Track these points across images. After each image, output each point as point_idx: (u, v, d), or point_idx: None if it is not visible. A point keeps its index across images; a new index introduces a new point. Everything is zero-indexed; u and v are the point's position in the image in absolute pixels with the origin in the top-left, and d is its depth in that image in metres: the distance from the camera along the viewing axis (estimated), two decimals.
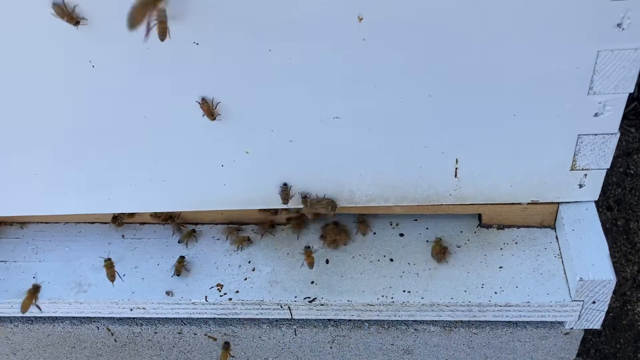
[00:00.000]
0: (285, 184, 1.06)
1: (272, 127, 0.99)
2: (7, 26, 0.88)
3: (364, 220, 1.15)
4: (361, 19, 0.84)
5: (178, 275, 1.11)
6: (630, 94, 0.90)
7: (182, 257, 1.13)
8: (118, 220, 1.18)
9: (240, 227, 1.18)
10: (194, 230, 1.18)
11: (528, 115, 0.94)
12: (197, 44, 0.88)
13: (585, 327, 1.05)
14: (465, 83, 0.91)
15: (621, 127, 0.94)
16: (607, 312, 2.01)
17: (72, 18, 0.86)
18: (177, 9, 0.83)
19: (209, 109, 0.95)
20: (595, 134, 0.96)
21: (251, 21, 0.85)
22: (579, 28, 0.83)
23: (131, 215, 1.19)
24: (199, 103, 0.95)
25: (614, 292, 1.02)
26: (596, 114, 0.93)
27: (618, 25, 0.82)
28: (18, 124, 1.00)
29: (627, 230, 2.25)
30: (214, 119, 0.96)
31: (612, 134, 0.96)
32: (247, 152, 1.03)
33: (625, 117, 2.49)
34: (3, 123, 1.00)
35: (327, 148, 1.01)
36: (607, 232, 2.17)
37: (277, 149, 1.01)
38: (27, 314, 1.15)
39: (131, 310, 1.12)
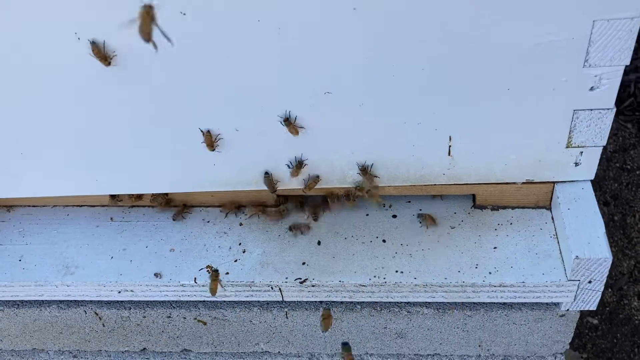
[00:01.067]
0: (266, 172, 1.04)
1: (260, 103, 0.97)
2: None
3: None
4: None
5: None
6: (626, 90, 0.88)
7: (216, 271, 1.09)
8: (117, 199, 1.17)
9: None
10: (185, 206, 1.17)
11: (523, 89, 0.92)
12: (184, 14, 0.86)
13: (581, 309, 1.03)
14: (458, 56, 0.89)
15: (617, 123, 0.93)
16: (604, 307, 2.00)
17: (106, 59, 0.91)
18: None
19: (210, 140, 1.01)
20: (591, 109, 0.94)
21: None
22: None
23: (139, 197, 1.17)
24: (203, 132, 1.00)
25: (611, 286, 1.01)
26: (592, 87, 0.91)
27: None
28: (3, 104, 0.98)
29: (623, 225, 2.24)
30: (214, 149, 1.01)
31: (608, 109, 0.94)
32: (237, 130, 1.01)
33: (621, 112, 2.48)
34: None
35: (318, 125, 0.99)
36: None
37: (266, 126, 0.99)
38: (12, 297, 1.13)
39: (119, 292, 1.09)
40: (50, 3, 0.87)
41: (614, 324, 2.00)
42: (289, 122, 0.99)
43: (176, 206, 1.18)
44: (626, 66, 0.89)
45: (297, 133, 0.99)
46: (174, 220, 1.16)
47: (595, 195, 1.04)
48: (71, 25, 0.89)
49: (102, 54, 0.91)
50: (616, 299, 2.05)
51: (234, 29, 0.88)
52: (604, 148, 1.01)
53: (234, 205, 1.15)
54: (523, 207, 1.10)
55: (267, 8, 0.85)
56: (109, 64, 0.92)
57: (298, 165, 1.04)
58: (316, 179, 1.07)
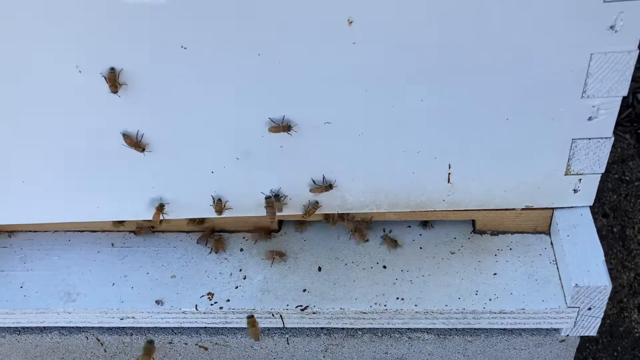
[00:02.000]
0: (268, 196, 1.05)
1: (262, 132, 0.97)
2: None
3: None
4: (351, 22, 0.83)
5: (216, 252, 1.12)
6: (624, 101, 0.89)
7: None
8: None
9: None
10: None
11: (521, 120, 0.93)
12: (185, 48, 0.87)
13: (581, 334, 1.04)
14: (458, 87, 0.90)
15: (615, 134, 0.93)
16: (604, 320, 2.00)
17: (139, 146, 0.97)
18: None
19: (220, 207, 1.06)
20: (590, 138, 0.95)
21: (241, 24, 0.84)
22: (571, 30, 0.82)
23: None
24: (213, 200, 1.06)
25: (611, 299, 1.01)
26: (590, 117, 0.92)
27: (611, 27, 0.81)
28: (6, 132, 0.99)
29: (623, 236, 2.24)
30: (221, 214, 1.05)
31: (606, 138, 0.95)
32: (237, 159, 1.01)
33: (619, 123, 2.48)
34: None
35: (319, 154, 1.00)
36: (603, 238, 2.16)
37: (267, 154, 1.00)
38: (13, 324, 1.13)
39: (121, 319, 1.10)
40: (50, 36, 0.87)
41: (614, 336, 2.00)
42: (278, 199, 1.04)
43: (178, 231, 1.18)
44: None
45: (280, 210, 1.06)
46: (197, 243, 1.17)
47: (594, 206, 1.04)
48: (72, 58, 0.89)
49: (135, 143, 0.97)
50: (616, 312, 2.06)
51: (232, 64, 0.88)
52: None
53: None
54: (522, 232, 1.10)
55: (269, 42, 0.86)
56: (143, 150, 0.98)
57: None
58: (316, 204, 1.08)
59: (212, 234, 1.16)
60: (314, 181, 1.03)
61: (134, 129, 0.97)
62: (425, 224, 1.14)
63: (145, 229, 1.18)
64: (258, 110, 0.94)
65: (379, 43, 0.85)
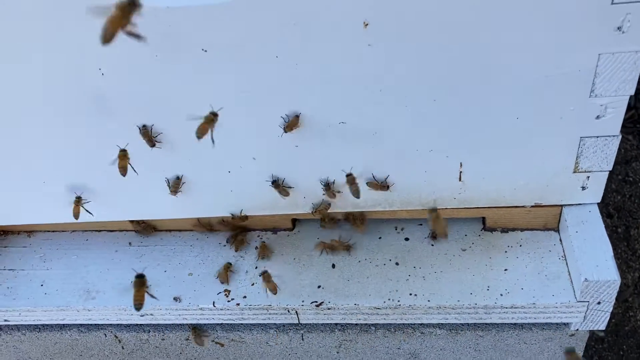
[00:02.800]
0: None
1: (279, 132, 1.00)
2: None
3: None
4: (367, 24, 0.86)
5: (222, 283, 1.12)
6: (628, 103, 0.92)
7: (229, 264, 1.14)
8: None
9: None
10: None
11: (531, 119, 0.95)
12: (206, 50, 0.89)
13: (591, 328, 1.06)
14: (469, 87, 0.93)
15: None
16: (610, 319, 2.02)
17: (151, 140, 0.99)
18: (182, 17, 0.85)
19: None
20: (598, 136, 0.97)
21: (258, 28, 0.87)
22: (580, 31, 0.85)
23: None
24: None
25: (616, 298, 1.03)
26: (598, 116, 0.95)
27: (618, 28, 0.84)
28: (27, 133, 1.02)
29: (627, 237, 2.27)
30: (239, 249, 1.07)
31: (614, 136, 0.97)
32: (254, 159, 1.04)
33: (622, 125, 2.51)
34: (12, 132, 1.01)
35: (333, 153, 1.02)
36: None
37: (283, 154, 1.02)
38: (34, 322, 1.15)
39: (141, 316, 1.12)
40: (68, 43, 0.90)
41: (620, 336, 2.02)
42: (278, 185, 1.05)
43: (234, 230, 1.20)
44: None
45: (287, 194, 1.07)
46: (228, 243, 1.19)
47: (599, 207, 1.07)
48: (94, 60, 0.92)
49: (149, 136, 0.98)
50: (622, 311, 2.08)
51: (252, 65, 0.91)
52: None
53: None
54: (532, 229, 1.13)
55: (286, 44, 0.89)
56: (153, 145, 0.99)
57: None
58: (327, 205, 1.10)
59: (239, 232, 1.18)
60: (373, 176, 1.05)
61: (151, 124, 1.00)
62: None
63: (149, 228, 1.20)
64: (275, 110, 0.97)
65: (394, 45, 0.88)
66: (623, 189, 2.41)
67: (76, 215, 1.10)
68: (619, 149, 2.52)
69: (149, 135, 0.99)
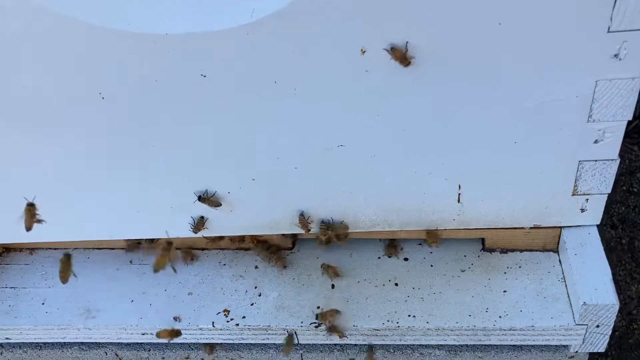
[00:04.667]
0: (302, 213, 1.08)
1: (277, 154, 1.00)
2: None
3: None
4: (364, 51, 0.86)
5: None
6: (625, 127, 0.92)
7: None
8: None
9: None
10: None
11: (529, 143, 0.96)
12: (204, 76, 0.90)
13: (590, 351, 1.06)
14: (467, 112, 0.93)
15: (623, 146, 0.96)
16: (613, 332, 2.01)
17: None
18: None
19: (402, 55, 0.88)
20: (596, 160, 0.97)
21: (257, 56, 0.88)
22: (577, 59, 0.85)
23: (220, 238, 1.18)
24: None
25: (620, 311, 1.04)
26: (596, 140, 0.95)
27: (615, 55, 0.84)
28: (28, 149, 1.02)
29: (631, 248, 2.26)
30: (409, 63, 0.88)
31: (612, 159, 0.97)
32: (253, 180, 1.05)
33: (627, 135, 2.50)
34: (12, 149, 1.02)
35: (332, 174, 1.03)
36: (611, 250, 2.18)
37: (282, 176, 1.03)
38: (35, 340, 1.16)
39: (143, 334, 1.13)
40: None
41: (624, 349, 2.01)
42: (205, 199, 1.05)
43: (191, 248, 1.21)
44: None
45: (219, 205, 1.07)
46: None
47: (603, 218, 1.07)
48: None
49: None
50: (625, 324, 2.07)
51: (250, 90, 0.92)
52: None
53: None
54: (531, 250, 1.13)
55: (284, 71, 0.89)
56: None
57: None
58: (326, 226, 1.10)
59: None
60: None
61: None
62: None
63: (135, 246, 1.20)
64: (273, 134, 0.98)
65: (390, 71, 0.88)
66: (627, 200, 2.40)
67: (28, 228, 1.03)
68: (623, 160, 2.52)
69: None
